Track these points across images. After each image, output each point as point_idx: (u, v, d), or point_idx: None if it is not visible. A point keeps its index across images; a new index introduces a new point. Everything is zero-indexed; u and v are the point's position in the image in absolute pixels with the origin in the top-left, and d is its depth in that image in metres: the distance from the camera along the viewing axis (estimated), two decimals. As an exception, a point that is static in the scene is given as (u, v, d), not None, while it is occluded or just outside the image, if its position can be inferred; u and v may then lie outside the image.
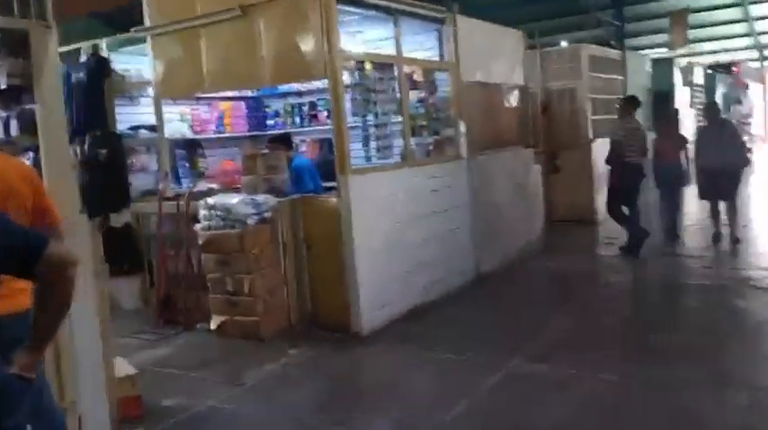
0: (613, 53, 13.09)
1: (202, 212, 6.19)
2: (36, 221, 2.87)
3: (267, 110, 8.55)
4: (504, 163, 8.30)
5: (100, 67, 7.14)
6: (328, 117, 7.53)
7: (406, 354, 5.54)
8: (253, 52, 6.18)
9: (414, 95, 7.20)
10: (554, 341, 5.55)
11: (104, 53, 7.19)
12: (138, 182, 7.23)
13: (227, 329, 6.14)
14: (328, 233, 6.11)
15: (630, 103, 8.68)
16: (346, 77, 6.13)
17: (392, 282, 6.32)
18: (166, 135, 7.36)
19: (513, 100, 8.78)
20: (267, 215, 6.18)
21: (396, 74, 6.65)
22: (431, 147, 7.22)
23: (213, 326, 6.19)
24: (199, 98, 8.01)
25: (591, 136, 10.96)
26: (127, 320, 6.90)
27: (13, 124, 3.73)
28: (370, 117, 6.48)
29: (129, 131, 7.23)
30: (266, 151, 6.75)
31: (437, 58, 7.46)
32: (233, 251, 6.03)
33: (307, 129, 8.27)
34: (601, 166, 9.71)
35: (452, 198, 7.22)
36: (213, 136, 8.04)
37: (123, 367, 4.55)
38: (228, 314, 6.14)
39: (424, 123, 7.13)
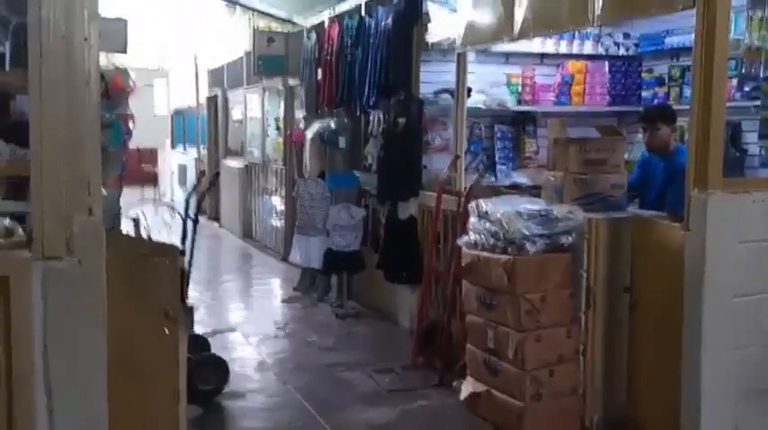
0: None
1: (471, 220, 4.05)
2: None
3: (644, 75, 5.79)
4: None
5: (411, 10, 5.47)
6: (741, 87, 4.55)
7: None
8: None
9: None
10: None
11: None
12: (435, 164, 5.41)
13: (481, 407, 3.95)
14: (666, 287, 3.42)
15: None
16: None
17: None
18: (480, 104, 5.35)
19: None
20: (566, 241, 3.74)
21: None
22: None
23: (463, 394, 4.07)
24: (543, 56, 5.77)
25: None
26: (389, 345, 5.28)
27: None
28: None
29: (432, 97, 5.40)
30: (594, 135, 4.18)
31: None
32: (498, 289, 3.78)
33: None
34: None
35: None
36: (551, 109, 5.68)
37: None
38: (485, 383, 3.92)
39: None
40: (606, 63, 5.75)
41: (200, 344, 4.36)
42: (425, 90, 5.47)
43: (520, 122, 5.71)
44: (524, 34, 4.25)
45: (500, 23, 4.39)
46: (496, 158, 5.59)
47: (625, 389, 3.76)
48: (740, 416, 3.32)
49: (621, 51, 5.78)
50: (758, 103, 3.73)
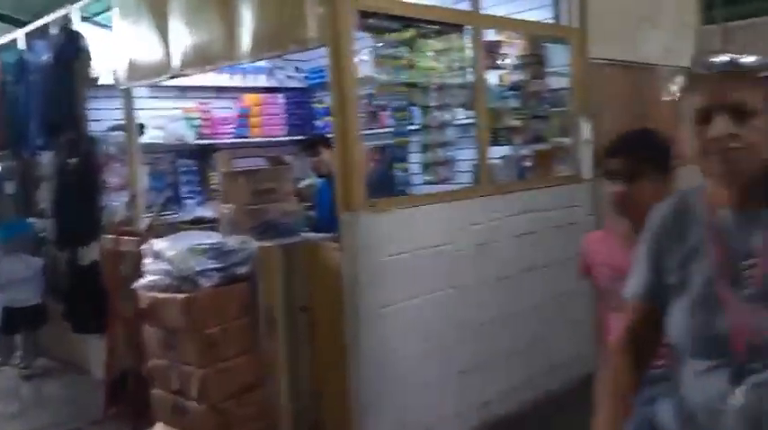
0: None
1: (147, 262, 3.98)
2: None
3: (316, 106, 6.21)
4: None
5: (71, 44, 5.22)
6: (394, 115, 5.07)
7: None
8: (225, 12, 3.88)
9: (506, 79, 4.57)
10: None
11: (77, 27, 5.23)
12: (115, 204, 5.20)
13: (174, 449, 3.89)
14: (333, 303, 3.69)
15: None
16: (366, 45, 3.66)
17: (434, 391, 3.77)
18: (158, 139, 5.29)
19: (679, 91, 5.81)
20: (241, 271, 3.85)
21: (469, 43, 4.09)
22: (528, 163, 4.53)
23: (154, 440, 3.97)
24: (220, 89, 5.89)
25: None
26: (82, 400, 4.95)
27: None
28: (415, 113, 3.95)
29: (105, 134, 5.21)
30: (262, 165, 4.40)
31: (550, 21, 4.76)
32: (177, 328, 3.77)
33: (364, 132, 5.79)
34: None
35: (561, 245, 4.47)
36: (231, 140, 5.83)
37: None
38: (175, 425, 3.86)
39: (518, 125, 4.45)
40: (281, 95, 6.04)
41: None
42: (98, 127, 5.26)
43: (203, 156, 5.74)
44: (182, 70, 4.29)
45: (159, 60, 4.38)
46: (182, 193, 5.56)
47: (313, 401, 3.98)
48: (419, 418, 3.71)
49: (294, 84, 6.12)
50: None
